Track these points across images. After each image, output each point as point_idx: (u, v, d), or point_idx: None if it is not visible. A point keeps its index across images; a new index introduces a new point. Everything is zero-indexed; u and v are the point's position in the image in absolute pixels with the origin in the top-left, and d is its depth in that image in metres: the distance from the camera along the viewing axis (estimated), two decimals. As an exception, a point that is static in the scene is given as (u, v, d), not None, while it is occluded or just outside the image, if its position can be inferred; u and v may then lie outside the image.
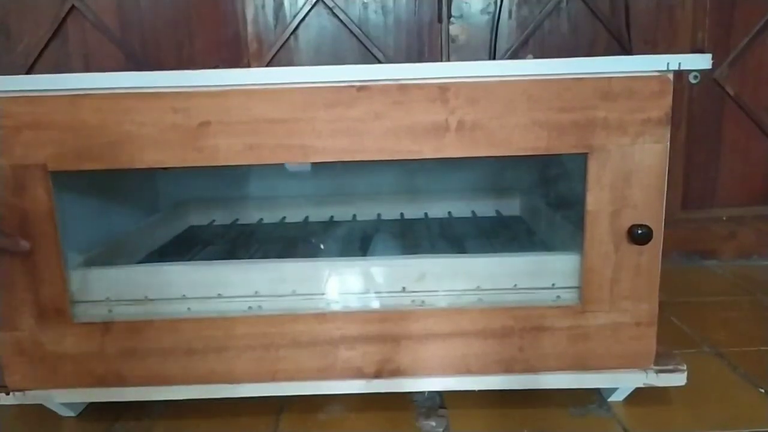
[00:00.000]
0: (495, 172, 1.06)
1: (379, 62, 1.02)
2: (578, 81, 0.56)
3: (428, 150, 0.58)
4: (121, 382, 0.62)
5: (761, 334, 0.83)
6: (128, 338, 0.61)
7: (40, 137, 0.57)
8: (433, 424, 0.64)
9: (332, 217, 1.01)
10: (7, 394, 0.63)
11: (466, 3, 1.02)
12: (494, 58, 1.01)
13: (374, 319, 0.61)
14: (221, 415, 0.66)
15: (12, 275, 0.60)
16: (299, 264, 0.64)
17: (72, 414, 0.68)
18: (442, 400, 0.68)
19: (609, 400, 0.67)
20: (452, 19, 1.02)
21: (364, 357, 0.62)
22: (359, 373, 0.62)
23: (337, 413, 0.66)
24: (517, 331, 0.61)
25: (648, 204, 0.58)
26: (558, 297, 0.64)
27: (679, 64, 0.57)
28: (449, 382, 0.63)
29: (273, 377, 0.63)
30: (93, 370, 0.62)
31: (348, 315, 0.62)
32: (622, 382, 0.64)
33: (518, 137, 0.58)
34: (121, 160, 0.58)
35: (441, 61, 1.02)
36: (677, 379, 0.63)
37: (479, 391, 0.63)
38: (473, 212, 1.02)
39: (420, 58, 1.03)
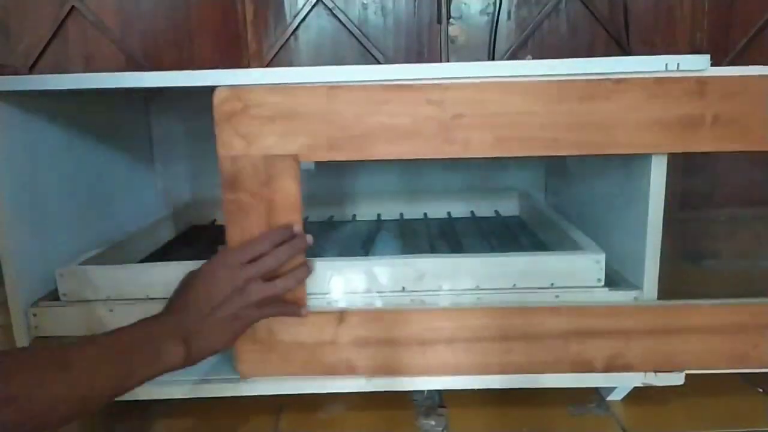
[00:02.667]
0: (494, 172, 1.06)
1: (379, 63, 1.02)
2: None
3: (680, 144, 0.58)
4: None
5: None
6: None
7: (293, 128, 0.56)
8: (433, 423, 0.64)
9: (332, 217, 1.01)
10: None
11: (465, 4, 1.02)
12: (493, 59, 1.01)
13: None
14: (221, 414, 0.67)
15: None
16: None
17: (73, 413, 0.68)
18: (441, 399, 0.68)
19: (607, 399, 0.67)
20: (451, 20, 1.02)
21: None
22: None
23: (337, 412, 0.67)
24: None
25: None
26: (557, 297, 0.64)
27: (678, 64, 0.57)
28: (449, 381, 0.63)
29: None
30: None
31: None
32: (620, 382, 0.65)
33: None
34: (372, 151, 0.58)
35: (440, 62, 1.03)
36: (675, 379, 0.63)
37: (478, 390, 0.64)
38: (472, 212, 1.02)
39: (419, 59, 1.03)
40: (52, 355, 0.46)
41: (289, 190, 0.57)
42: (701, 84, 0.57)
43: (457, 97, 0.57)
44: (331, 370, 0.62)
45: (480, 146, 0.58)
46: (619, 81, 0.56)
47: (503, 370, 0.62)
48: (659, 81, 0.57)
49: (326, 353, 0.61)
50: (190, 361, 0.51)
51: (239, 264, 0.54)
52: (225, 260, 0.54)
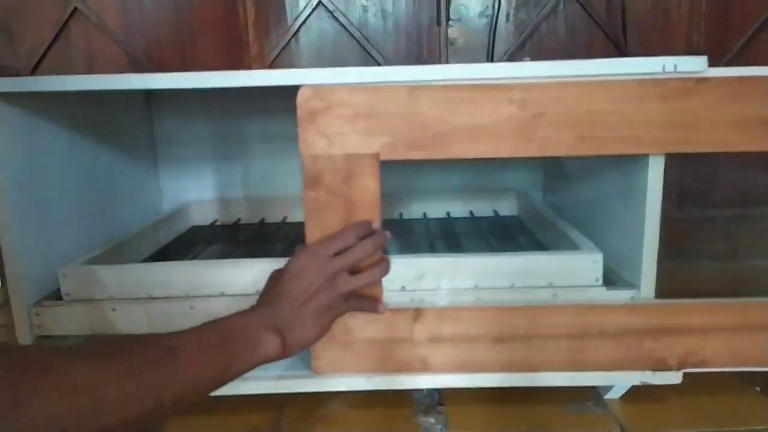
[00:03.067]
0: (492, 172, 1.07)
1: (379, 65, 1.03)
2: None
3: (762, 143, 0.59)
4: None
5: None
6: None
7: (375, 127, 0.57)
8: (432, 420, 0.64)
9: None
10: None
11: (464, 6, 1.03)
12: (492, 61, 1.02)
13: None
14: (222, 411, 0.67)
15: None
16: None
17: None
18: (440, 397, 0.69)
19: (605, 397, 0.68)
20: (451, 22, 1.03)
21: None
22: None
23: (337, 410, 0.67)
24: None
25: None
26: (555, 296, 0.64)
27: (675, 65, 0.58)
28: (448, 379, 0.64)
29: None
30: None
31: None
32: (618, 380, 0.65)
33: None
34: (452, 150, 0.58)
35: (439, 63, 1.04)
36: (673, 377, 0.63)
37: (478, 388, 0.64)
38: (471, 212, 1.02)
39: (419, 60, 1.04)
40: (156, 341, 0.45)
41: (368, 188, 0.58)
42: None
43: (539, 95, 0.57)
44: (406, 368, 0.62)
45: (560, 145, 0.58)
46: (700, 80, 0.57)
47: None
48: (741, 80, 0.57)
49: (401, 350, 0.62)
50: (286, 352, 0.52)
51: (327, 257, 0.55)
52: (313, 253, 0.55)
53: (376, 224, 0.58)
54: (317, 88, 0.57)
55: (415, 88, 0.57)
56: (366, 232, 0.57)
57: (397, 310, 0.61)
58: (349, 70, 0.58)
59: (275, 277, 0.56)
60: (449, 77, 0.58)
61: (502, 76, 0.58)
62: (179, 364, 0.44)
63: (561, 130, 0.58)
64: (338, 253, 0.55)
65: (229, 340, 0.49)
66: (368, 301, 0.59)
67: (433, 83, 0.57)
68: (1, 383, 0.36)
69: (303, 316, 0.52)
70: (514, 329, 0.62)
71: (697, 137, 0.58)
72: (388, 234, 0.58)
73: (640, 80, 0.57)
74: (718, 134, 0.58)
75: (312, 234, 0.58)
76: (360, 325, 0.61)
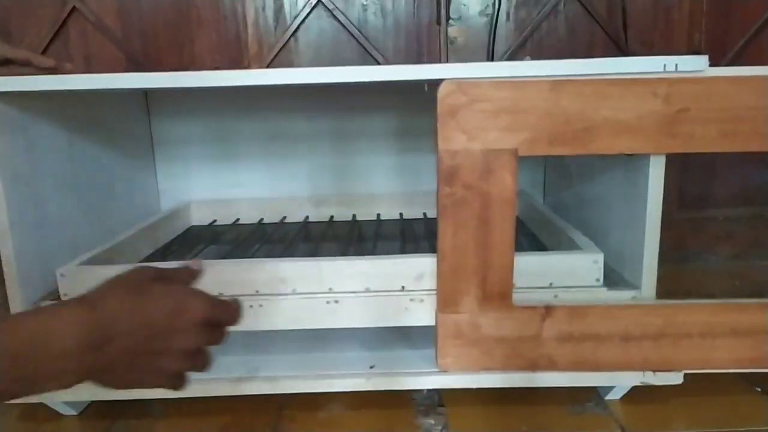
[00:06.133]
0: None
1: (378, 64, 1.02)
2: None
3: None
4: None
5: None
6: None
7: (515, 122, 0.57)
8: (432, 422, 0.64)
9: (332, 217, 1.01)
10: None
11: (464, 5, 1.02)
12: (492, 60, 1.02)
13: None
14: (221, 413, 0.67)
15: (465, 257, 0.60)
16: (298, 263, 0.65)
17: (73, 412, 0.68)
18: (440, 398, 0.68)
19: (606, 398, 0.67)
20: (451, 21, 1.03)
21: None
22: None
23: (337, 411, 0.67)
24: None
25: None
26: (555, 296, 0.64)
27: (676, 65, 0.57)
28: (448, 379, 0.64)
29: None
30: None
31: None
32: (619, 381, 0.65)
33: None
34: (594, 145, 0.58)
35: (439, 62, 1.03)
36: (674, 378, 0.63)
37: (477, 389, 0.64)
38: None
39: (419, 60, 1.03)
40: None
41: (506, 184, 0.58)
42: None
43: (684, 91, 0.57)
44: (532, 366, 0.62)
45: (703, 141, 0.58)
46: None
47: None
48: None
49: (529, 348, 0.62)
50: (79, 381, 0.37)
51: (216, 323, 0.42)
52: (213, 307, 0.41)
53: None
54: (460, 83, 0.56)
55: (558, 83, 0.56)
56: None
57: (526, 308, 0.60)
58: (349, 69, 0.58)
59: (136, 285, 0.40)
60: (449, 76, 0.57)
61: (502, 76, 0.57)
62: None
63: (705, 125, 0.57)
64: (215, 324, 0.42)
65: (22, 361, 0.34)
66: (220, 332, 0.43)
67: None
68: None
69: (136, 365, 0.38)
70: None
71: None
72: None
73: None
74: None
75: (445, 230, 0.58)
76: (487, 323, 0.60)
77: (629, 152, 0.59)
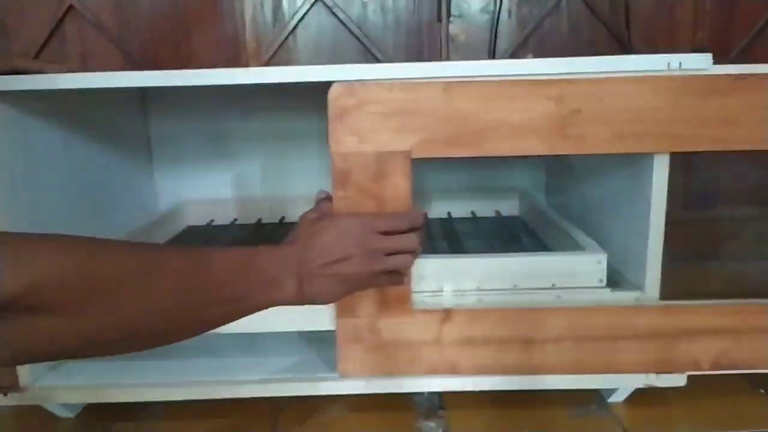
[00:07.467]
0: (494, 172, 1.06)
1: (379, 62, 1.01)
2: None
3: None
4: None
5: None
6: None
7: (409, 124, 0.56)
8: (433, 425, 0.64)
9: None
10: (5, 395, 0.63)
11: (465, 2, 1.01)
12: (494, 58, 1.01)
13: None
14: (219, 415, 0.66)
15: None
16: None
17: (70, 415, 0.68)
18: (441, 401, 0.68)
19: (609, 400, 0.67)
20: (452, 18, 1.02)
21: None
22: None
23: (336, 414, 0.66)
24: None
25: None
26: (558, 297, 0.63)
27: (680, 63, 0.57)
28: (448, 382, 0.63)
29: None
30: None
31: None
32: (622, 383, 0.64)
33: None
34: (487, 147, 0.57)
35: (440, 60, 1.02)
36: (677, 380, 0.62)
37: (479, 391, 0.63)
38: (473, 212, 1.01)
39: (419, 57, 1.03)
40: (186, 251, 0.46)
41: (400, 187, 0.57)
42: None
43: (576, 92, 0.56)
44: (434, 370, 0.61)
45: (596, 142, 0.57)
46: (739, 77, 0.56)
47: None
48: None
49: (430, 352, 0.61)
50: (299, 302, 0.50)
51: (374, 231, 0.53)
52: (363, 223, 0.53)
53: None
54: (349, 85, 0.55)
55: (451, 84, 0.56)
56: (417, 224, 0.56)
57: (426, 312, 0.60)
58: (349, 67, 0.57)
59: (313, 222, 0.53)
60: (450, 75, 0.56)
61: (504, 74, 0.57)
62: (207, 279, 0.44)
63: (597, 126, 0.57)
64: (385, 233, 0.53)
65: (251, 271, 0.47)
66: (395, 276, 0.56)
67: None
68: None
69: (326, 275, 0.51)
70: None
71: (739, 135, 0.57)
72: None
73: (681, 76, 0.56)
74: (759, 132, 0.57)
75: None
76: (388, 327, 0.60)
77: (523, 154, 0.57)
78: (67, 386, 0.65)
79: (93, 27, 1.00)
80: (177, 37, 1.01)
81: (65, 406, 0.67)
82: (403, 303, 0.60)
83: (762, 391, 0.68)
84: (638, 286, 0.64)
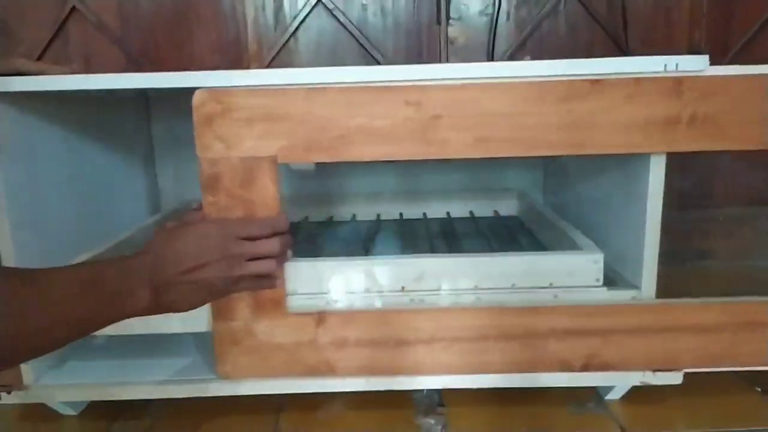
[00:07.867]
0: (493, 172, 1.06)
1: (379, 64, 1.02)
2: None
3: (659, 144, 0.59)
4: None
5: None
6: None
7: (272, 130, 0.57)
8: (432, 422, 0.64)
9: (332, 217, 1.01)
10: (8, 393, 0.64)
11: (464, 5, 1.02)
12: (492, 60, 1.02)
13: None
14: (220, 413, 0.67)
15: None
16: (297, 264, 0.65)
17: (73, 413, 0.68)
18: (441, 398, 0.68)
19: (606, 398, 0.67)
20: (451, 20, 1.02)
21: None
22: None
23: (337, 411, 0.67)
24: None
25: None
26: (555, 297, 0.64)
27: (677, 64, 0.57)
28: (448, 380, 0.64)
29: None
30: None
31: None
32: (619, 381, 0.65)
33: (751, 132, 0.58)
34: (350, 152, 0.58)
35: (440, 62, 1.03)
36: (673, 378, 0.63)
37: (478, 389, 0.64)
38: (471, 212, 1.02)
39: (419, 59, 1.03)
40: (32, 273, 0.43)
41: (267, 192, 0.58)
42: (677, 83, 0.57)
43: (436, 98, 0.57)
44: (311, 371, 0.62)
45: (458, 147, 0.58)
46: (595, 81, 0.57)
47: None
48: (637, 81, 0.57)
49: (307, 354, 0.62)
50: (155, 311, 0.50)
51: (235, 237, 0.54)
52: (223, 227, 0.54)
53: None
54: (213, 91, 0.56)
55: (312, 91, 0.57)
56: (282, 229, 0.57)
57: (300, 315, 0.61)
58: (349, 69, 0.58)
59: (169, 231, 0.53)
60: (450, 76, 0.57)
61: (502, 76, 0.57)
62: (49, 295, 0.43)
63: (459, 132, 0.58)
64: (247, 238, 0.55)
65: (100, 284, 0.46)
66: (263, 281, 0.58)
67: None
68: None
69: (184, 284, 0.51)
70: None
71: (594, 139, 0.58)
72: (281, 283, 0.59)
73: (539, 82, 0.57)
74: (613, 136, 0.58)
75: None
76: (264, 330, 0.61)
77: (386, 159, 0.58)
78: (70, 384, 0.65)
79: (96, 29, 1.01)
80: (179, 39, 1.02)
81: (69, 404, 0.67)
82: (277, 306, 0.60)
83: (758, 388, 0.69)
84: (635, 285, 0.65)
